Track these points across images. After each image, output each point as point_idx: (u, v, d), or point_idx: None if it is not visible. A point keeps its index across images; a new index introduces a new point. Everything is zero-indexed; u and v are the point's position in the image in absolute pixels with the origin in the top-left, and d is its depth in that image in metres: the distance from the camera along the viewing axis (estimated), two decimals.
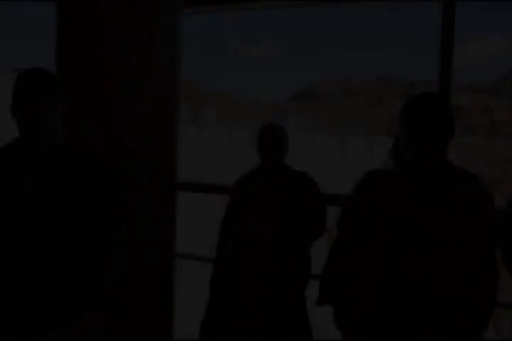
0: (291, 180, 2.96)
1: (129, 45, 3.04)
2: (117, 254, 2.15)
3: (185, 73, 3.44)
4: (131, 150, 3.10)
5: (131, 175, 3.10)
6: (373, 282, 1.82)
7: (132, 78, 3.07)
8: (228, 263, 2.86)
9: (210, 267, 3.06)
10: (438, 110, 1.86)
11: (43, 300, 1.89)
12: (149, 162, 3.20)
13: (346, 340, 1.91)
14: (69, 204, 1.96)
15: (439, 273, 1.74)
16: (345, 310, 1.92)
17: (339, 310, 1.94)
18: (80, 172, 2.02)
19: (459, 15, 3.01)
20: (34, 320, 1.87)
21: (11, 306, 1.87)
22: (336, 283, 1.99)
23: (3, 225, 1.88)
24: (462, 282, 1.73)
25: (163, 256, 3.39)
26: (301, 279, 2.90)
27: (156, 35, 3.12)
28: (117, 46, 3.02)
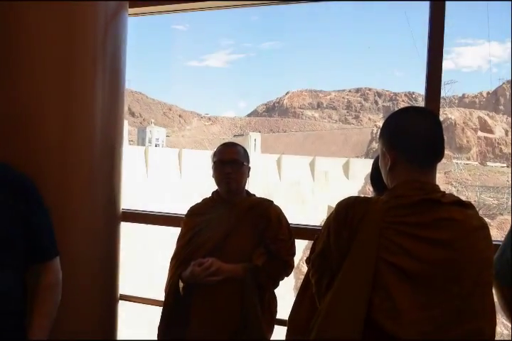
0: (253, 210, 2.92)
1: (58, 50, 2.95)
2: (50, 295, 2.30)
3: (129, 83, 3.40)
4: (65, 178, 3.02)
5: (66, 205, 3.00)
6: (352, 328, 1.78)
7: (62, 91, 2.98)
8: (181, 306, 2.82)
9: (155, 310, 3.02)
10: (426, 127, 1.88)
11: None
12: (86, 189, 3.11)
13: None
14: (8, 236, 2.14)
15: (424, 321, 1.71)
16: None
17: None
18: (15, 203, 2.18)
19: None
20: None
21: None
22: (307, 328, 1.96)
23: None
24: (454, 328, 1.71)
25: (106, 295, 3.33)
26: (265, 323, 2.83)
27: (95, 39, 3.08)
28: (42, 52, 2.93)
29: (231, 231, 2.85)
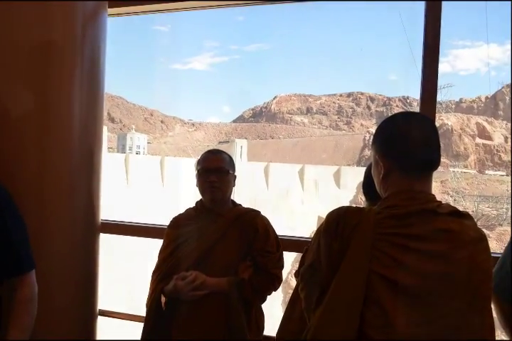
0: (239, 220, 2.92)
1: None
2: (26, 310, 2.32)
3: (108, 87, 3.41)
4: (39, 189, 3.00)
5: (43, 216, 3.00)
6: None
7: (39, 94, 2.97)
8: (163, 321, 2.81)
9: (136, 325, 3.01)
10: (422, 134, 1.88)
11: None
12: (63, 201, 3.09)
13: None
14: None
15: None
16: None
17: None
18: None
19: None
20: None
21: None
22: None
23: None
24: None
25: (85, 311, 3.33)
26: (252, 339, 2.82)
27: (73, 40, 3.09)
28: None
29: (216, 242, 2.84)
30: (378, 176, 1.97)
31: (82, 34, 3.10)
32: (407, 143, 1.87)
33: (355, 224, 1.86)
